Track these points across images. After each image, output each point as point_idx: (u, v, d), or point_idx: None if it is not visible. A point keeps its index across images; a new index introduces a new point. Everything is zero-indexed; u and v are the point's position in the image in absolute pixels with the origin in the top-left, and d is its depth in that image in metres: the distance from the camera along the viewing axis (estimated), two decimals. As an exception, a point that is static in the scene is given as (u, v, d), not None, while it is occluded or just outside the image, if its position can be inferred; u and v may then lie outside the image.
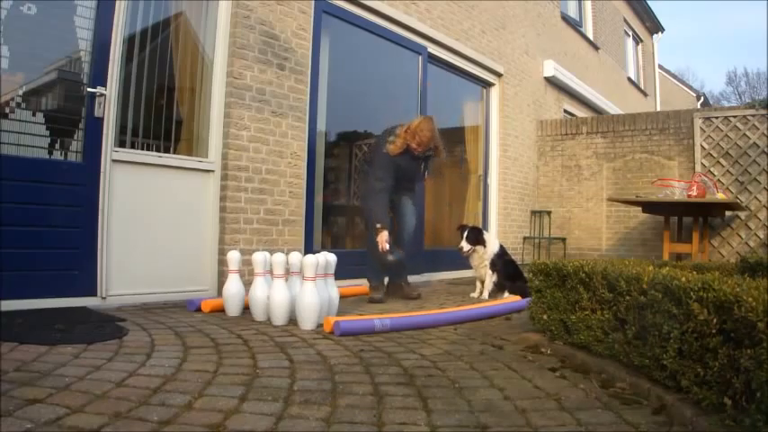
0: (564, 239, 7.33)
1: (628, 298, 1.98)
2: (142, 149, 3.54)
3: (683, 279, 1.74)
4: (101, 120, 3.21)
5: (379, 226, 3.71)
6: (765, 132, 5.97)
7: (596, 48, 10.31)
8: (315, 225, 4.50)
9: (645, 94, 13.75)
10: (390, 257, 3.68)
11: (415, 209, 4.27)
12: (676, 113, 6.76)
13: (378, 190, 3.79)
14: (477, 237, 4.27)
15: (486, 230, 6.11)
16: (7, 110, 2.89)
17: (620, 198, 6.29)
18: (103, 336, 2.40)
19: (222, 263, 3.67)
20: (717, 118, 6.29)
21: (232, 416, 1.53)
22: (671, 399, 1.66)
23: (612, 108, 10.27)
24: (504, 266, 4.30)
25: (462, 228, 4.39)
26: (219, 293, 3.40)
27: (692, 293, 1.64)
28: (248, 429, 1.44)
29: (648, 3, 13.05)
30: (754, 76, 34.53)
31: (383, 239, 3.68)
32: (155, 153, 3.56)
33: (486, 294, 4.28)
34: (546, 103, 8.10)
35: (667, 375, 1.73)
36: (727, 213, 6.04)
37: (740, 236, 6.08)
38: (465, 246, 4.24)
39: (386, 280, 4.12)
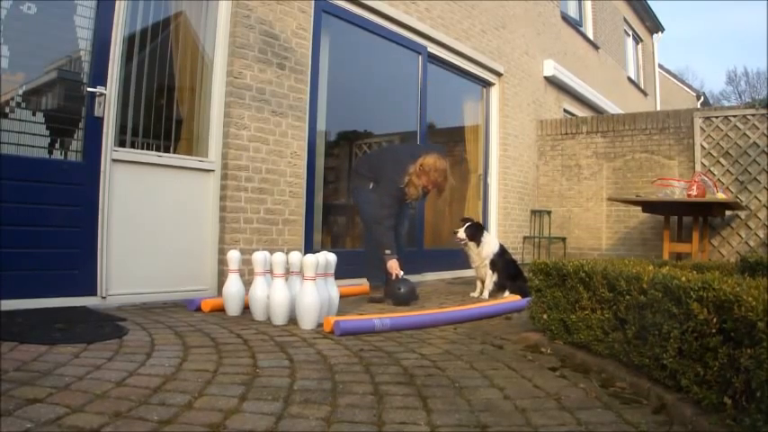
0: (564, 239, 7.33)
1: (628, 297, 1.97)
2: (142, 149, 3.54)
3: (683, 278, 1.74)
4: (101, 119, 3.21)
5: (388, 252, 3.71)
6: (765, 132, 5.97)
7: (596, 47, 10.31)
8: (315, 225, 4.50)
9: (645, 94, 13.75)
10: (402, 289, 3.70)
11: (409, 212, 4.30)
12: (676, 113, 6.76)
13: (387, 216, 3.78)
14: (474, 233, 4.27)
15: (487, 230, 6.12)
16: (7, 109, 2.89)
17: (620, 198, 6.29)
18: (103, 335, 2.40)
19: (222, 262, 3.66)
20: (717, 117, 6.29)
21: (232, 415, 1.53)
22: (671, 398, 1.66)
23: (612, 108, 10.26)
24: (505, 266, 4.30)
25: (465, 220, 4.44)
26: (219, 293, 3.39)
27: (691, 293, 1.64)
28: (248, 429, 1.44)
29: (648, 2, 13.05)
30: (754, 76, 34.56)
31: (395, 267, 3.70)
32: (155, 153, 3.56)
33: (486, 294, 4.29)
34: (546, 103, 8.10)
35: (667, 375, 1.73)
36: (727, 213, 6.04)
37: (740, 235, 6.08)
38: (461, 234, 4.26)
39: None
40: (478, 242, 4.28)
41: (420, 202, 5.27)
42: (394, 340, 2.63)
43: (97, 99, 3.19)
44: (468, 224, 4.32)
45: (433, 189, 3.91)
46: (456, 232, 4.30)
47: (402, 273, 3.72)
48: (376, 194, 3.87)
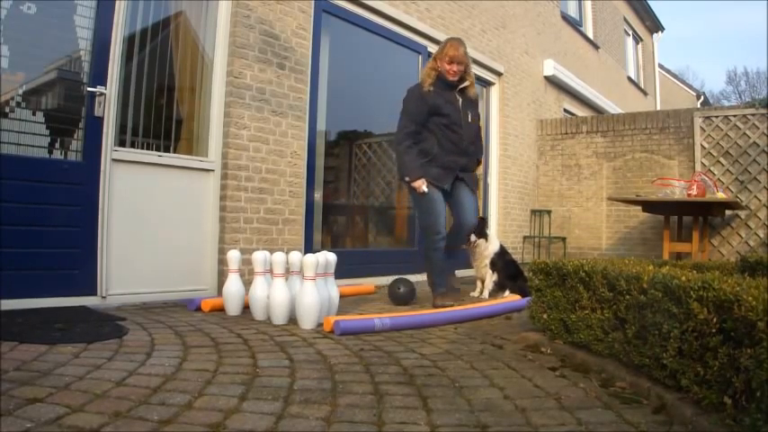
0: (564, 239, 7.32)
1: (628, 297, 1.97)
2: (142, 149, 3.54)
3: (683, 278, 1.74)
4: (101, 119, 3.21)
5: (407, 179, 3.55)
6: (765, 131, 5.97)
7: (596, 47, 10.31)
8: (315, 224, 4.50)
9: (645, 94, 13.75)
10: (401, 289, 3.69)
11: (475, 198, 3.89)
12: (676, 113, 6.76)
13: (404, 137, 3.58)
14: (482, 229, 4.24)
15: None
16: (7, 109, 2.89)
17: (620, 197, 6.29)
18: (103, 335, 2.40)
19: (222, 262, 3.67)
20: (717, 117, 6.29)
21: (232, 415, 1.53)
22: (671, 398, 1.66)
23: (612, 107, 10.26)
24: (505, 266, 4.29)
25: None
26: (219, 293, 3.40)
27: (691, 293, 1.64)
28: (248, 429, 1.44)
29: (648, 2, 13.05)
30: (754, 76, 34.60)
31: (420, 185, 3.51)
32: (155, 152, 3.56)
33: (486, 294, 4.28)
34: (546, 103, 8.10)
35: (667, 374, 1.73)
36: (727, 212, 6.04)
37: (740, 235, 6.08)
38: (471, 237, 4.18)
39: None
40: (486, 237, 4.25)
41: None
42: (394, 340, 2.63)
43: (97, 99, 3.19)
44: None
45: (454, 67, 3.63)
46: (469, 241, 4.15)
47: (426, 190, 3.52)
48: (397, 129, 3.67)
